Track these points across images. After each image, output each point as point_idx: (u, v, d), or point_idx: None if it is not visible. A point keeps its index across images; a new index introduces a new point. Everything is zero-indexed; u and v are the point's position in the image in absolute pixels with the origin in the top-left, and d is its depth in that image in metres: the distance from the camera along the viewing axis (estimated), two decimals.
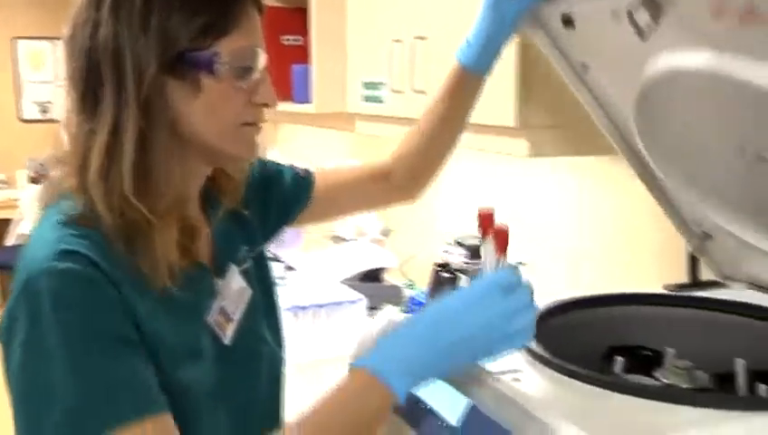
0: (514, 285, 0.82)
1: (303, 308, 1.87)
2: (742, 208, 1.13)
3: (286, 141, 4.04)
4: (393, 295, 2.10)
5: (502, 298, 0.81)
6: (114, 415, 0.74)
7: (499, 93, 1.27)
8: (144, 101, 0.81)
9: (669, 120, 1.02)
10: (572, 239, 1.77)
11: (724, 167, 1.05)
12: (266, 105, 0.89)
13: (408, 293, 2.13)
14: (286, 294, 2.11)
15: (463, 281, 1.66)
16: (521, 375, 0.87)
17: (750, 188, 1.08)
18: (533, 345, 0.94)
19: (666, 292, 1.22)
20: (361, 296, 1.93)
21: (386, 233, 2.49)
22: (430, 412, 0.87)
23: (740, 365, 1.03)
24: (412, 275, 2.26)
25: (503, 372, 0.87)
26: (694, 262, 1.30)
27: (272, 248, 2.86)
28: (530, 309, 0.82)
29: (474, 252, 1.60)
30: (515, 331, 0.80)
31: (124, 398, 0.75)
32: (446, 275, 1.59)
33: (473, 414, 0.81)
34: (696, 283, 1.26)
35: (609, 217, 1.64)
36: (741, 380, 1.02)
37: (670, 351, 1.08)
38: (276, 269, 2.43)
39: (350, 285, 2.07)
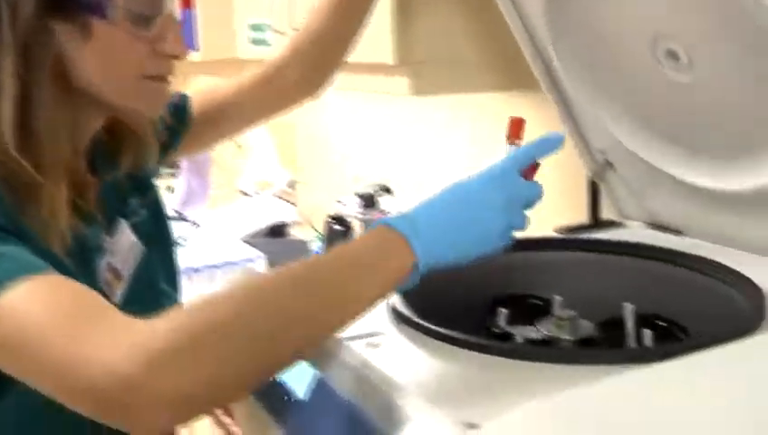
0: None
1: (197, 270, 1.76)
2: (651, 125, 1.06)
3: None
4: (299, 251, 1.99)
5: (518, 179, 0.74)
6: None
7: (376, 28, 1.16)
8: (23, 47, 0.72)
9: (582, 18, 0.97)
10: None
11: (635, 72, 1.01)
12: (174, 57, 0.80)
13: (315, 247, 2.04)
14: (186, 255, 2.00)
15: (356, 233, 1.56)
16: (381, 339, 0.78)
17: (660, 99, 1.01)
18: (398, 303, 0.85)
19: (555, 235, 1.14)
20: (260, 254, 1.82)
21: (292, 185, 2.37)
22: (279, 384, 0.77)
23: (628, 310, 0.96)
24: (321, 228, 2.16)
25: (359, 337, 0.77)
26: (594, 202, 1.22)
27: (177, 206, 2.74)
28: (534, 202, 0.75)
29: (369, 202, 1.50)
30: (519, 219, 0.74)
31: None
32: (339, 227, 1.49)
33: (319, 387, 0.72)
34: (589, 224, 1.19)
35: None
36: (629, 325, 0.95)
37: (558, 299, 1.00)
38: (181, 228, 2.31)
39: (253, 243, 1.97)
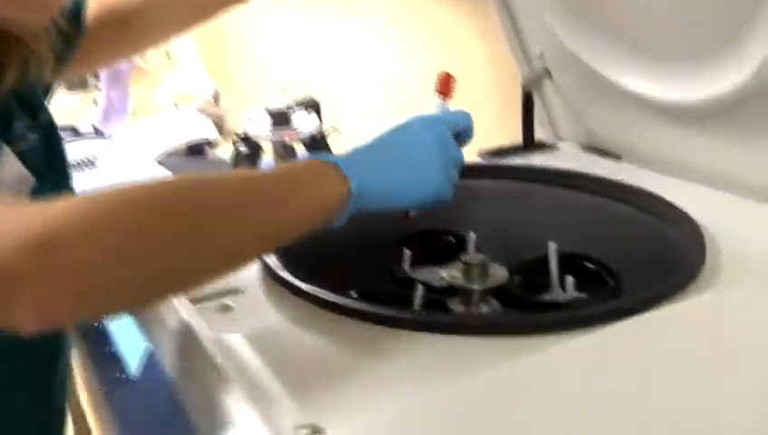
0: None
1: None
2: (594, 24, 0.90)
3: None
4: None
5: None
6: None
7: None
8: None
9: None
10: (395, 90, 1.53)
11: None
12: None
13: None
14: (96, 178, 1.83)
15: (267, 156, 1.39)
16: (237, 299, 0.63)
17: None
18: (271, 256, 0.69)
19: (475, 161, 0.98)
20: (170, 175, 1.65)
21: (216, 98, 2.17)
22: (114, 357, 0.62)
23: (552, 251, 0.82)
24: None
25: (211, 296, 0.62)
26: (528, 121, 1.07)
27: (97, 121, 2.53)
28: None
29: (280, 119, 1.33)
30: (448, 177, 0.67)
31: None
32: (244, 148, 1.32)
33: (150, 362, 0.57)
34: (516, 147, 1.04)
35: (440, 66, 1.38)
36: (553, 269, 0.82)
37: (472, 236, 0.86)
38: (95, 147, 2.12)
39: (166, 163, 1.79)
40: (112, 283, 0.47)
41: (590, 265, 0.81)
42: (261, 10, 2.00)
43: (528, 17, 1.01)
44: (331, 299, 0.60)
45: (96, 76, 3.29)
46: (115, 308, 0.49)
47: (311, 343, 0.56)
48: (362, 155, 0.64)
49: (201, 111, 2.12)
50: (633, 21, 0.86)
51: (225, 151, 2.01)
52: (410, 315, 0.57)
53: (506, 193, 0.90)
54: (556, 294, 0.81)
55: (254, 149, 1.33)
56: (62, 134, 1.87)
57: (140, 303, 0.52)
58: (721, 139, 0.83)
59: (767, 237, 0.73)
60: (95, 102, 3.14)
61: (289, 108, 1.36)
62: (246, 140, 1.33)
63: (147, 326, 0.60)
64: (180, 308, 0.59)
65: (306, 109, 1.46)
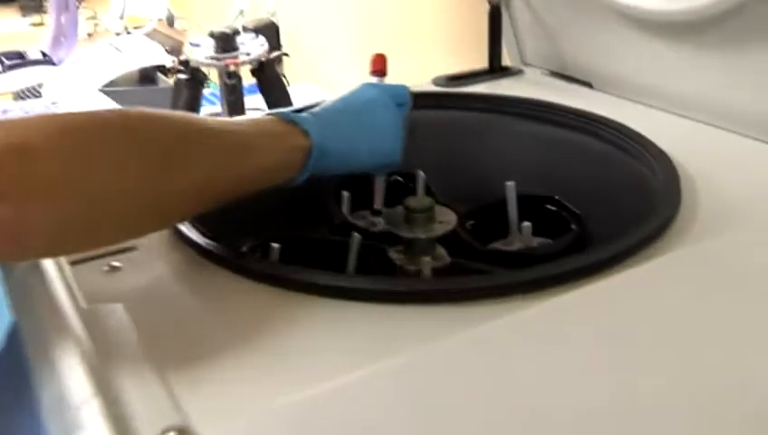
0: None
1: None
2: None
3: None
4: (168, 100, 1.70)
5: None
6: None
7: None
8: None
9: None
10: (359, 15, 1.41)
11: None
12: None
13: None
14: (37, 108, 1.71)
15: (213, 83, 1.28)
16: (128, 258, 0.53)
17: None
18: None
19: (428, 88, 0.88)
20: (115, 106, 1.53)
21: (171, 21, 2.03)
22: None
23: (511, 192, 0.72)
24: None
25: (95, 256, 0.52)
26: (495, 40, 0.95)
27: (46, 47, 2.37)
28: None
29: (226, 43, 1.21)
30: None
31: None
32: (183, 76, 1.20)
33: (13, 336, 0.47)
34: (477, 72, 0.93)
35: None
36: (511, 210, 0.72)
37: (422, 175, 0.76)
38: (42, 74, 1.98)
39: (111, 93, 1.66)
40: (81, 206, 0.43)
41: (552, 208, 0.72)
42: None
43: None
44: (234, 259, 0.50)
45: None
46: (80, 239, 0.45)
47: (206, 316, 0.47)
48: (322, 117, 0.62)
49: (154, 35, 1.98)
50: None
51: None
52: (308, 278, 0.48)
53: (461, 126, 0.80)
54: (514, 241, 0.72)
55: (195, 76, 1.21)
56: (5, 60, 1.71)
57: (104, 238, 0.48)
58: (700, 62, 0.73)
59: (749, 176, 0.64)
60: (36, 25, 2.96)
61: (235, 31, 1.23)
62: (187, 66, 1.20)
63: (14, 295, 0.51)
64: (51, 273, 0.49)
65: (257, 32, 1.33)
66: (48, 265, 0.51)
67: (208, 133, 0.52)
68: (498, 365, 0.41)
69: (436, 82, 0.90)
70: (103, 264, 0.52)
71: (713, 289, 0.48)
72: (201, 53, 1.23)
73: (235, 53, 1.20)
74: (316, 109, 0.64)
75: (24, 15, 3.25)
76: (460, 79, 0.91)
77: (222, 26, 1.24)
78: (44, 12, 3.37)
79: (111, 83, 1.74)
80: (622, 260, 0.50)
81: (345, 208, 0.74)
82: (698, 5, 0.69)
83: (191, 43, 1.27)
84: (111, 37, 1.99)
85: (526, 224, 0.68)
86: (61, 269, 0.51)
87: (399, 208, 0.67)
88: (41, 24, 3.04)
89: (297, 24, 1.72)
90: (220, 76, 1.23)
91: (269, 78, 1.23)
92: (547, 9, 0.91)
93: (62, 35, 2.34)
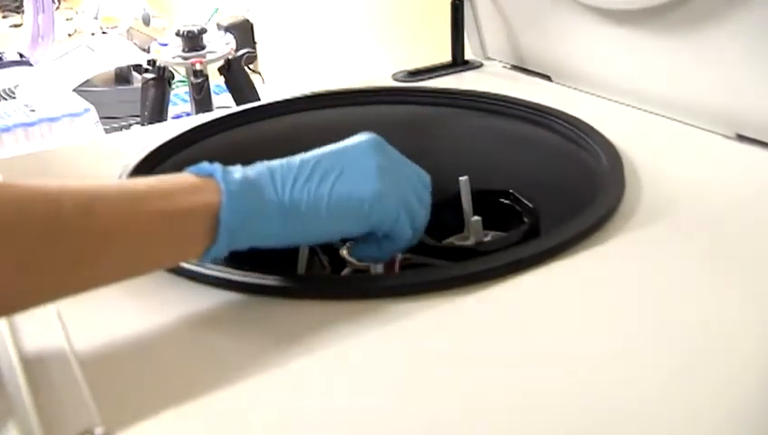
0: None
1: (7, 129, 1.46)
2: None
3: None
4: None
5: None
6: None
7: None
8: None
9: None
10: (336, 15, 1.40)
11: None
12: None
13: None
14: (10, 109, 1.70)
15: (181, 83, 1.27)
16: None
17: None
18: None
19: (385, 84, 0.87)
20: (88, 107, 1.52)
21: (147, 20, 2.02)
22: None
23: (464, 186, 0.72)
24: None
25: None
26: (458, 34, 0.95)
27: (25, 48, 2.36)
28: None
29: (192, 42, 1.20)
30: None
31: None
32: (150, 75, 1.19)
33: None
34: (437, 66, 0.92)
35: None
36: (465, 205, 0.72)
37: None
38: (14, 76, 1.97)
39: (90, 92, 1.66)
40: None
41: (507, 202, 0.72)
42: None
43: None
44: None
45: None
46: None
47: (133, 315, 0.47)
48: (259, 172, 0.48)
49: (131, 34, 1.97)
50: None
51: None
52: (230, 277, 0.47)
53: (415, 121, 0.80)
54: (470, 236, 0.71)
55: (162, 76, 1.20)
56: None
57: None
58: (657, 56, 0.73)
59: (695, 166, 0.64)
60: (16, 27, 2.95)
61: (201, 30, 1.23)
62: (154, 65, 1.20)
63: None
64: None
65: (230, 30, 1.33)
66: None
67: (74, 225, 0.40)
68: (417, 362, 0.41)
69: (396, 77, 0.90)
70: None
71: (646, 279, 0.48)
72: (168, 52, 1.22)
73: (201, 52, 1.20)
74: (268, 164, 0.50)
75: (3, 17, 3.24)
76: (420, 73, 0.90)
77: (189, 25, 1.24)
78: (24, 13, 3.36)
79: (87, 83, 1.74)
80: (559, 252, 0.50)
81: None
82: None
83: (159, 43, 1.26)
84: (86, 37, 1.98)
85: (475, 218, 0.67)
86: None
87: None
88: (20, 24, 3.03)
89: (272, 21, 1.72)
90: (188, 76, 1.22)
91: (236, 77, 1.22)
92: (508, 2, 0.91)
93: (40, 36, 2.34)
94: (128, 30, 1.95)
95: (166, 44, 1.23)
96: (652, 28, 0.72)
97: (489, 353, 0.41)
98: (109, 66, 1.78)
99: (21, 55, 2.20)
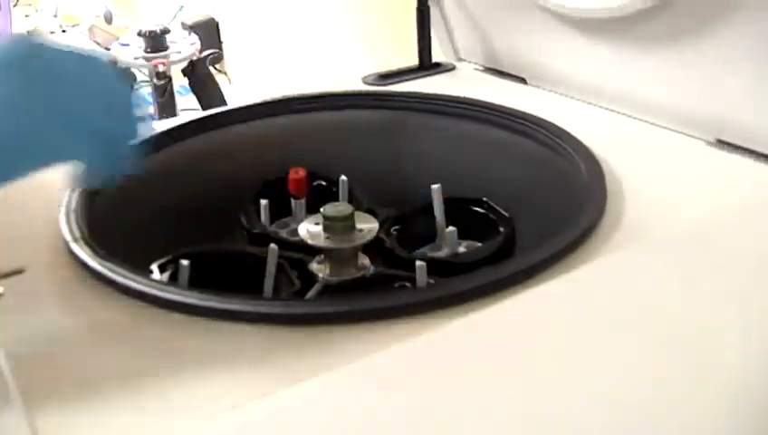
0: None
1: None
2: None
3: None
4: None
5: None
6: None
7: None
8: None
9: None
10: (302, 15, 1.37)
11: None
12: None
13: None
14: None
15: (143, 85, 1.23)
16: (14, 283, 0.50)
17: None
18: (64, 220, 0.56)
19: (353, 89, 0.84)
20: None
21: (109, 18, 1.96)
22: None
23: (436, 195, 0.69)
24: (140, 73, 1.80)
25: None
26: (424, 38, 0.92)
27: None
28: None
29: (155, 42, 1.16)
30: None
31: None
32: None
33: None
34: (407, 70, 0.90)
35: None
36: (438, 214, 0.69)
37: (344, 180, 0.72)
38: None
39: None
40: None
41: (481, 211, 0.70)
42: None
43: None
44: (124, 281, 0.47)
45: None
46: None
47: (90, 348, 0.43)
48: None
49: (92, 33, 1.92)
50: None
51: None
52: (198, 302, 0.44)
53: (386, 126, 0.77)
54: (442, 246, 0.69)
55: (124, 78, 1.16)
56: None
57: None
58: (633, 60, 0.71)
59: (673, 171, 0.62)
60: None
61: (164, 30, 1.19)
62: (115, 66, 1.16)
63: None
64: None
65: (194, 29, 1.29)
66: None
67: None
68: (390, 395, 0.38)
69: (366, 80, 0.87)
70: None
71: (627, 301, 0.45)
72: (130, 52, 1.18)
73: (165, 53, 1.16)
74: None
75: None
76: (391, 77, 0.88)
77: (152, 24, 1.19)
78: None
79: None
80: (540, 271, 0.48)
81: (264, 217, 0.71)
82: (614, 5, 0.67)
83: (120, 43, 1.22)
84: (44, 36, 1.92)
85: (450, 229, 0.65)
86: None
87: (319, 217, 0.64)
88: None
89: (239, 20, 1.68)
90: (150, 78, 1.18)
91: (200, 78, 1.18)
92: (479, 5, 0.89)
93: None
94: (89, 28, 1.89)
95: (127, 44, 1.19)
96: (628, 34, 0.70)
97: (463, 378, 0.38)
98: None
99: None
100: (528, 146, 0.71)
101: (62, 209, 0.57)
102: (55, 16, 1.92)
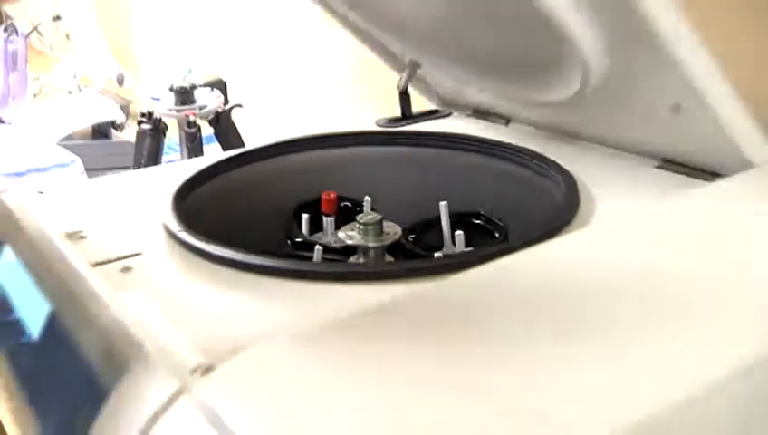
0: None
1: None
2: (435, 40, 0.94)
3: None
4: (123, 153, 1.81)
5: None
6: None
7: None
8: None
9: None
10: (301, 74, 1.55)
11: None
12: None
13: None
14: None
15: (173, 133, 1.40)
16: (137, 260, 0.66)
17: (439, 17, 0.89)
18: (169, 217, 0.72)
19: (366, 129, 1.02)
20: (74, 158, 1.63)
21: (121, 80, 2.15)
22: (14, 323, 0.64)
23: (443, 209, 0.87)
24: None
25: (107, 262, 0.64)
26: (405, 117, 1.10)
27: None
28: None
29: (184, 97, 1.34)
30: None
31: None
32: (148, 126, 1.32)
33: (52, 326, 0.59)
34: (413, 115, 1.08)
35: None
36: (445, 226, 0.86)
37: (368, 200, 0.90)
38: None
39: (69, 146, 1.76)
40: None
41: (478, 222, 0.87)
42: None
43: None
44: (229, 256, 0.63)
45: None
46: None
47: (208, 296, 0.59)
48: None
49: (105, 93, 2.09)
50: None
51: (131, 134, 2.00)
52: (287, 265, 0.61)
53: (401, 157, 0.95)
54: (448, 250, 0.86)
55: (157, 126, 1.33)
56: None
57: None
58: (594, 111, 0.89)
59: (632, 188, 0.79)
60: None
61: (192, 86, 1.37)
62: (150, 117, 1.33)
63: (48, 289, 0.62)
64: (80, 269, 0.61)
65: (211, 88, 1.47)
66: (77, 263, 0.62)
67: None
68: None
69: (379, 123, 1.05)
70: (117, 265, 0.64)
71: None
72: (162, 105, 1.35)
73: (193, 106, 1.34)
74: None
75: None
76: (399, 120, 1.06)
77: (180, 82, 1.37)
78: None
79: (67, 138, 1.84)
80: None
81: (305, 229, 0.87)
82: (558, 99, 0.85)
83: (152, 98, 1.39)
84: (63, 95, 2.09)
85: (459, 232, 0.82)
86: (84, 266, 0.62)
87: (354, 224, 0.81)
88: None
89: (246, 81, 1.86)
90: (180, 126, 1.35)
91: (225, 127, 1.36)
92: (451, 71, 1.06)
93: (10, 95, 2.44)
94: (101, 90, 2.06)
95: (158, 99, 1.36)
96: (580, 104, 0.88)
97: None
98: (88, 122, 1.89)
99: None
100: (512, 169, 0.89)
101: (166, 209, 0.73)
102: (74, 77, 2.09)
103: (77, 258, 0.64)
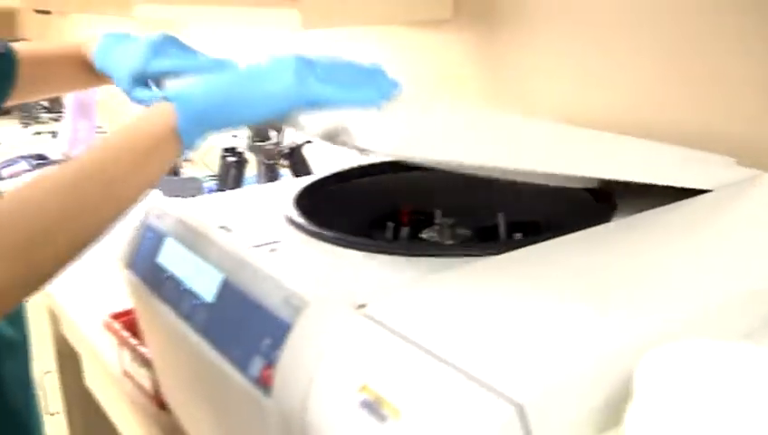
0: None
1: None
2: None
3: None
4: (191, 188, 2.03)
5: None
6: None
7: None
8: None
9: None
10: None
11: None
12: None
13: (208, 185, 2.07)
14: None
15: (252, 164, 1.62)
16: (279, 246, 0.86)
17: None
18: (294, 214, 0.92)
19: None
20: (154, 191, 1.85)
21: None
22: (186, 291, 0.84)
23: (500, 218, 1.07)
24: (215, 166, 2.20)
25: (258, 245, 0.85)
26: None
27: (66, 149, 2.67)
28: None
29: (261, 133, 1.56)
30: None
31: None
32: (233, 159, 1.53)
33: (226, 289, 0.79)
34: None
35: None
36: (501, 230, 1.06)
37: (438, 211, 1.10)
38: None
39: None
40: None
41: (531, 228, 1.07)
42: (222, 27, 2.19)
43: None
44: (354, 239, 0.84)
45: (60, 108, 3.43)
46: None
47: (344, 265, 0.79)
48: (205, 85, 0.79)
49: None
50: None
51: (196, 170, 2.22)
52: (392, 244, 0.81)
53: (461, 180, 1.15)
54: None
55: (241, 158, 1.55)
56: (26, 162, 1.99)
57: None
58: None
59: None
60: (53, 134, 3.29)
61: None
62: (232, 150, 1.55)
63: (218, 264, 0.82)
64: (245, 248, 0.81)
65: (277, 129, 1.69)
66: (240, 245, 0.83)
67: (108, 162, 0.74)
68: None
69: None
70: (265, 248, 0.84)
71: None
72: (241, 141, 1.57)
73: (273, 141, 1.56)
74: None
75: (24, 126, 3.57)
76: None
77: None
78: (41, 122, 3.71)
79: None
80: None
81: (389, 233, 1.08)
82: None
83: (232, 135, 1.61)
84: None
85: (518, 235, 1.02)
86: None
87: (434, 226, 1.01)
88: (39, 133, 3.37)
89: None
90: (259, 160, 1.57)
91: (297, 161, 1.57)
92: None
93: (80, 139, 2.68)
94: None
95: (236, 135, 1.58)
96: None
97: None
98: None
99: (66, 157, 2.53)
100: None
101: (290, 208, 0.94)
102: None
103: (238, 242, 0.84)
